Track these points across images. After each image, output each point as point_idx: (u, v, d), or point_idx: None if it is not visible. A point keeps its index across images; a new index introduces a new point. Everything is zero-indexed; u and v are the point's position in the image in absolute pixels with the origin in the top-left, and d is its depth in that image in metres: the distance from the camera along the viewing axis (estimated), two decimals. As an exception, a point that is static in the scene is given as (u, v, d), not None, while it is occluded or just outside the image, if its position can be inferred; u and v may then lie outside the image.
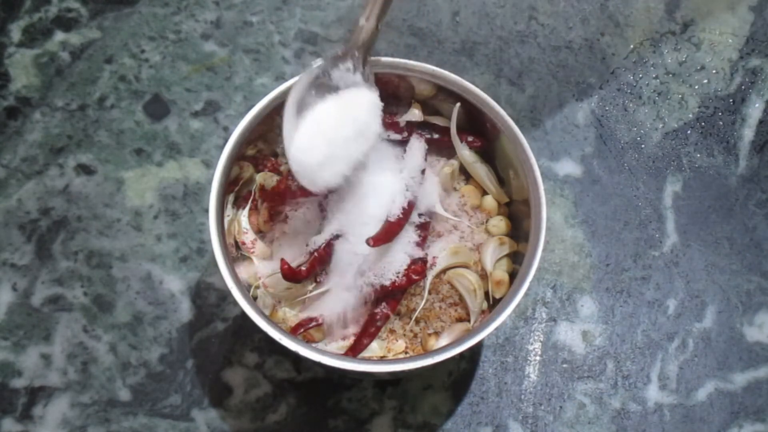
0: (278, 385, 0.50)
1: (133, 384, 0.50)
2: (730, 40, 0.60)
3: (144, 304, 0.52)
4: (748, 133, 0.58)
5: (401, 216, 0.42)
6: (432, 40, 0.59)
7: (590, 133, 0.57)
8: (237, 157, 0.43)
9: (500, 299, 0.43)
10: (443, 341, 0.43)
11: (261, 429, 0.50)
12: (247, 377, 0.50)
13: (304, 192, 0.42)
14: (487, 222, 0.46)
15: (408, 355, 0.43)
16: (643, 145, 0.57)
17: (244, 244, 0.45)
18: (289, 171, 0.42)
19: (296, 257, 0.43)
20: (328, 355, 0.39)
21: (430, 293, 0.43)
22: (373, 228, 0.42)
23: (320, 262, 0.42)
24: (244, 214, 0.46)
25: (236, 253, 0.45)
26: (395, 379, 0.50)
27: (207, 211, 0.42)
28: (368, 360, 0.41)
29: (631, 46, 0.60)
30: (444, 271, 0.44)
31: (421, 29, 0.60)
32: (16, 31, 0.59)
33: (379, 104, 0.42)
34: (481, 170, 0.46)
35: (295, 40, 0.59)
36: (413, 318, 0.43)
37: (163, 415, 0.49)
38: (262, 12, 0.60)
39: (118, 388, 0.50)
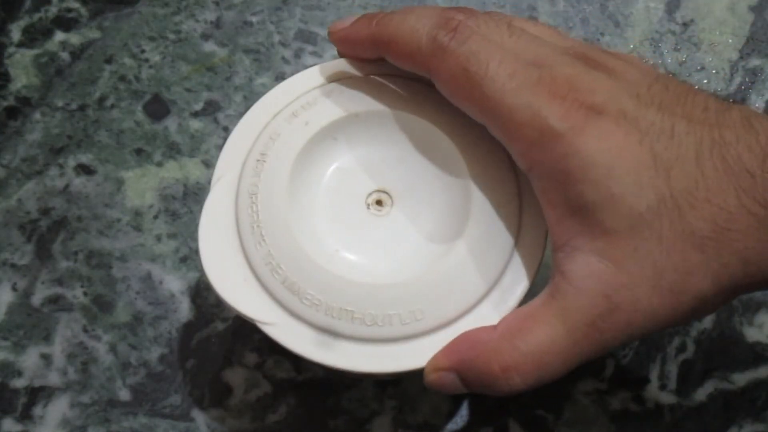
0: (278, 385, 0.50)
1: (133, 384, 0.50)
2: (730, 40, 0.60)
3: (144, 304, 0.52)
4: (748, 133, 0.58)
5: None
6: (432, 40, 0.59)
7: (590, 133, 0.57)
8: (237, 157, 0.43)
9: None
10: None
11: (261, 429, 0.50)
12: (247, 377, 0.50)
13: None
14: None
15: None
16: (643, 145, 0.57)
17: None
18: None
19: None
20: None
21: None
22: None
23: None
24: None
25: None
26: (395, 379, 0.50)
27: (207, 211, 0.42)
28: None
29: (631, 46, 0.60)
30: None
31: (421, 29, 0.60)
32: (16, 31, 0.59)
33: None
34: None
35: (295, 40, 0.59)
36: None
37: (163, 415, 0.49)
38: (262, 12, 0.60)
39: (118, 388, 0.50)
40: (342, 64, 0.45)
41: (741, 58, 0.60)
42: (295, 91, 0.44)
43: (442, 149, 0.42)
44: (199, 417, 0.50)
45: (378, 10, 0.60)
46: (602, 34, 0.60)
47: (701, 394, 0.51)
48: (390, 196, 0.43)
